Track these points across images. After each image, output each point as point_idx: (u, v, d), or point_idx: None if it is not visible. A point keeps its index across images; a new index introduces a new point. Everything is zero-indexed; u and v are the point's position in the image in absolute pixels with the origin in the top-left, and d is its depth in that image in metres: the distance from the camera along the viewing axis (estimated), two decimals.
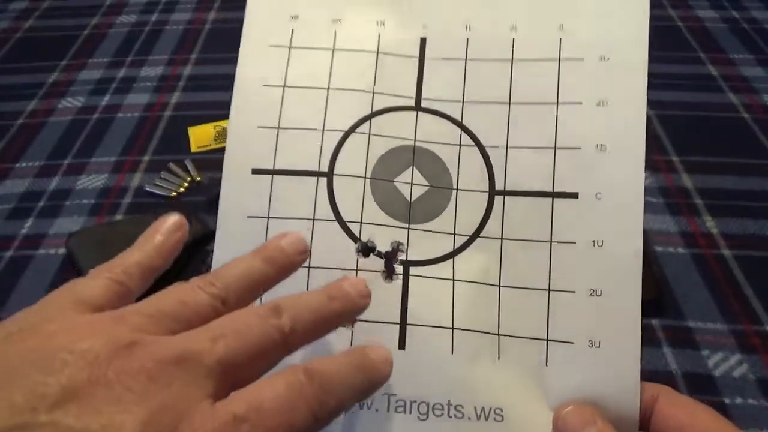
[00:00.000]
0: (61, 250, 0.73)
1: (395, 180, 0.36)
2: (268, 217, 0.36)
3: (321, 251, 0.35)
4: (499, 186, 0.35)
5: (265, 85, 0.37)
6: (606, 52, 0.35)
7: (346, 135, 0.36)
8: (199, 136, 0.88)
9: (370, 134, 0.36)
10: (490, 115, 0.36)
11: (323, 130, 0.36)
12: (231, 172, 0.36)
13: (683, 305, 0.65)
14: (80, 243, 0.69)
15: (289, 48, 0.38)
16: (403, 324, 0.34)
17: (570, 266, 0.34)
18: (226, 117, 0.99)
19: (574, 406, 0.32)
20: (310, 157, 0.36)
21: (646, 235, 0.71)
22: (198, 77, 1.00)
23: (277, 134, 0.37)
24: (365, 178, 0.36)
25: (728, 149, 0.84)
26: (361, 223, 0.35)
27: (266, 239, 0.35)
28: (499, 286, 0.34)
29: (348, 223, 0.35)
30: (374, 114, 0.37)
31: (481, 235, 0.35)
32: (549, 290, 0.34)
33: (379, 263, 0.35)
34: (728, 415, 0.56)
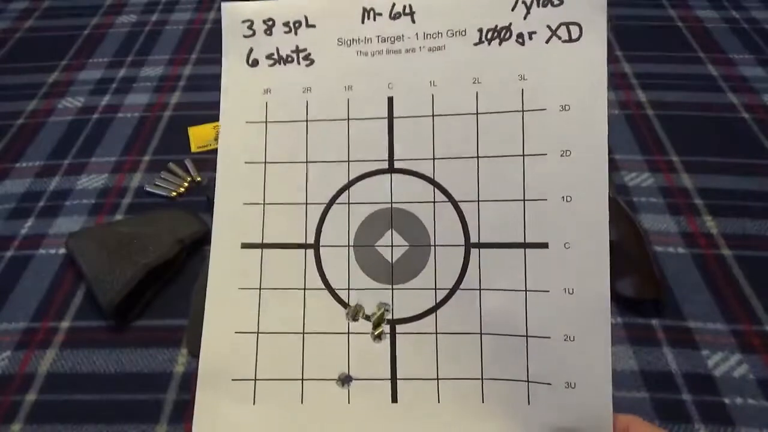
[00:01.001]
0: (61, 250, 0.73)
1: (376, 244, 0.38)
2: (261, 289, 0.37)
3: (313, 318, 0.37)
4: (473, 239, 0.37)
5: (247, 162, 0.39)
6: (566, 101, 0.36)
7: (328, 207, 0.38)
8: (199, 136, 0.88)
9: (349, 203, 0.38)
10: (460, 170, 0.38)
11: (306, 203, 0.38)
12: (220, 247, 0.38)
13: (683, 305, 0.65)
14: (80, 243, 0.69)
15: (266, 123, 0.39)
16: (393, 379, 0.37)
17: (544, 313, 0.36)
18: None
19: None
20: (296, 230, 0.38)
21: (646, 235, 0.71)
22: (198, 77, 1.01)
23: (264, 210, 0.39)
24: (349, 246, 0.38)
25: (728, 149, 0.84)
26: (348, 289, 0.37)
27: (259, 311, 0.37)
28: (480, 334, 0.36)
29: (337, 290, 0.38)
30: (351, 182, 0.38)
31: (460, 287, 0.37)
32: (526, 336, 0.36)
33: (368, 325, 0.37)
34: (728, 415, 0.56)
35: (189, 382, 0.60)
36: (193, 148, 0.86)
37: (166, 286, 0.68)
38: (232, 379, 0.36)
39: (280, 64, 0.40)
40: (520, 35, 0.37)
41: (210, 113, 0.92)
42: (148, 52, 1.06)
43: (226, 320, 0.37)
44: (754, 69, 0.98)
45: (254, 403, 0.36)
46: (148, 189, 0.80)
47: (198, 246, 0.72)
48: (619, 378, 0.58)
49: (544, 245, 0.36)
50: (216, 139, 0.86)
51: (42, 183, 0.82)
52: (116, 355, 0.62)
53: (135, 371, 0.61)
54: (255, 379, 0.36)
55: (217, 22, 1.14)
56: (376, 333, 0.37)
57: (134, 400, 0.59)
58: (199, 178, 0.81)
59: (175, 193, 0.80)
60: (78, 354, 0.63)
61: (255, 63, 0.40)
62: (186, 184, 0.81)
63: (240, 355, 0.37)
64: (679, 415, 0.56)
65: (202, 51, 1.06)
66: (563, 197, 0.36)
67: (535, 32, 0.37)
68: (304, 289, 0.38)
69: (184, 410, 0.57)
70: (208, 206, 0.75)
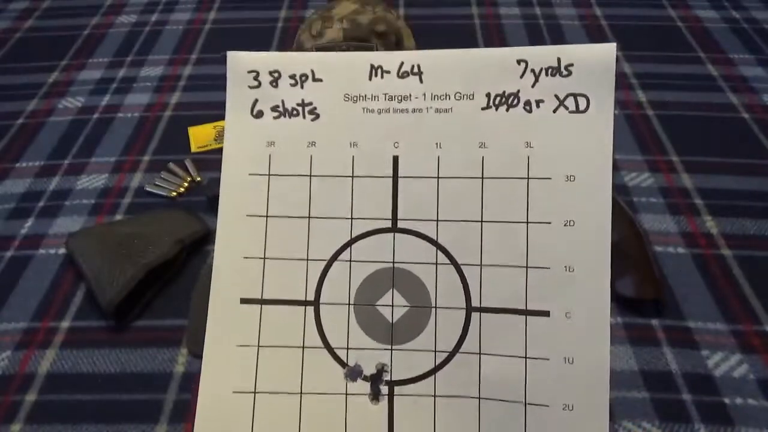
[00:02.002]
0: (61, 250, 0.73)
1: (377, 304, 0.37)
2: (259, 346, 0.36)
3: (311, 378, 0.37)
4: (475, 302, 0.37)
5: (248, 215, 0.38)
6: (572, 172, 0.36)
7: (330, 263, 0.38)
8: (199, 136, 0.88)
9: (351, 261, 0.38)
10: (463, 233, 0.38)
11: (307, 259, 0.38)
12: (219, 302, 0.38)
13: (683, 305, 0.65)
14: (80, 243, 0.69)
15: (269, 176, 0.38)
16: None
17: (544, 381, 0.36)
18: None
19: None
20: (296, 286, 0.38)
21: (646, 235, 0.71)
22: (198, 77, 1.00)
23: (264, 264, 0.38)
24: (349, 304, 0.38)
25: (728, 149, 0.84)
26: (347, 348, 0.37)
27: (257, 370, 0.36)
28: (479, 398, 0.36)
29: (336, 349, 0.37)
30: (354, 240, 0.38)
31: (460, 350, 0.37)
32: (525, 403, 0.35)
33: (366, 386, 0.37)
34: (728, 415, 0.56)
35: (189, 382, 0.60)
36: (193, 148, 0.86)
37: (166, 286, 0.68)
38: None
39: (285, 116, 0.39)
40: (527, 102, 0.37)
41: (210, 113, 0.92)
42: (148, 52, 1.06)
43: (223, 379, 0.37)
44: (754, 69, 0.98)
45: None
46: (148, 189, 0.80)
47: (198, 246, 0.72)
48: (619, 378, 0.58)
49: (546, 313, 0.36)
50: (216, 139, 0.86)
51: (42, 183, 0.82)
52: (116, 355, 0.62)
53: (135, 371, 0.61)
54: None
55: (217, 22, 1.14)
56: (374, 394, 0.36)
57: (134, 400, 0.59)
58: (199, 178, 0.81)
59: (175, 193, 0.80)
60: (78, 354, 0.63)
61: (259, 114, 0.40)
62: (186, 184, 0.81)
63: (237, 416, 0.36)
64: (679, 415, 0.56)
65: (202, 51, 1.06)
66: (566, 267, 0.36)
67: (542, 101, 0.37)
68: (303, 347, 0.37)
69: (184, 410, 0.57)
70: (208, 206, 0.75)
